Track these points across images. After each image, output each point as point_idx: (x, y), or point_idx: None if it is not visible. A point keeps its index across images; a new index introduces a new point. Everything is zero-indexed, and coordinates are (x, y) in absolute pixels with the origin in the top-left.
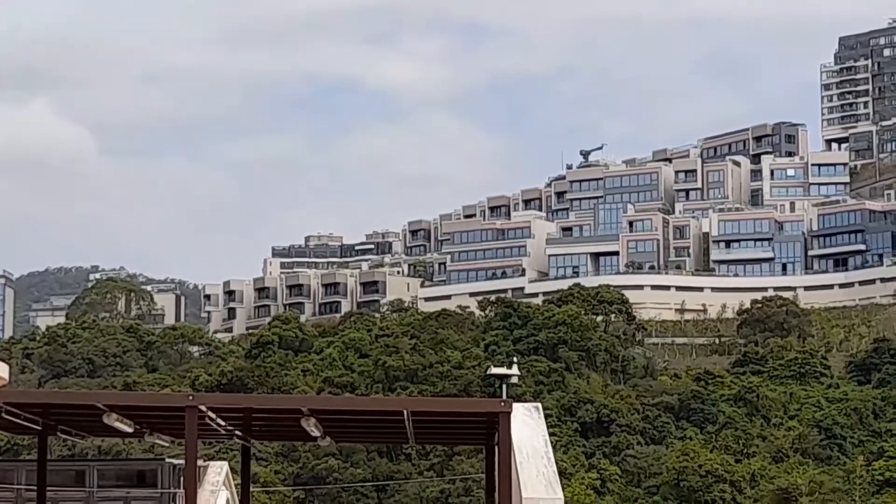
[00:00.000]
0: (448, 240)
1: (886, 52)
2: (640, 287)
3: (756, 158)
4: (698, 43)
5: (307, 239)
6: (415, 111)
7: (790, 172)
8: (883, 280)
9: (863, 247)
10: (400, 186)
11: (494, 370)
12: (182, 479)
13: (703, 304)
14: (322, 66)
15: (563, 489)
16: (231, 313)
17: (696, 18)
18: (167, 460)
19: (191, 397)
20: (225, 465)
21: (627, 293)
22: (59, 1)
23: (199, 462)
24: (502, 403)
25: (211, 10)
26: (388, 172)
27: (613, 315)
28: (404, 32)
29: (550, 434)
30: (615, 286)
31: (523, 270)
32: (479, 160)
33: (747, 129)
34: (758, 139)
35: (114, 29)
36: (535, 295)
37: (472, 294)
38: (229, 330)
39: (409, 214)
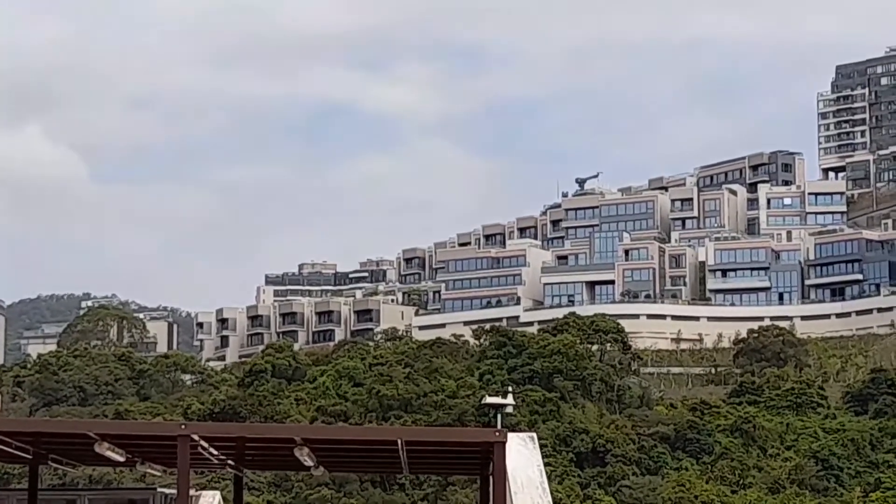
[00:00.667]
0: (443, 268)
1: (884, 81)
2: (636, 316)
3: (753, 187)
4: (694, 68)
5: (301, 266)
6: (409, 137)
7: (787, 201)
8: (880, 310)
9: (860, 276)
10: (394, 213)
11: (489, 399)
12: None
13: (700, 334)
14: (316, 91)
15: None
16: (224, 341)
17: (692, 44)
18: (159, 490)
19: (183, 426)
20: (217, 494)
21: (623, 322)
22: (50, 24)
23: (192, 491)
24: (497, 433)
25: (203, 34)
26: (382, 198)
27: (609, 344)
28: (398, 58)
29: (545, 464)
30: (611, 315)
31: (518, 299)
32: (473, 186)
33: (744, 158)
34: (754, 168)
35: (104, 52)
36: (531, 324)
37: (466, 323)
38: (222, 358)
39: (403, 241)
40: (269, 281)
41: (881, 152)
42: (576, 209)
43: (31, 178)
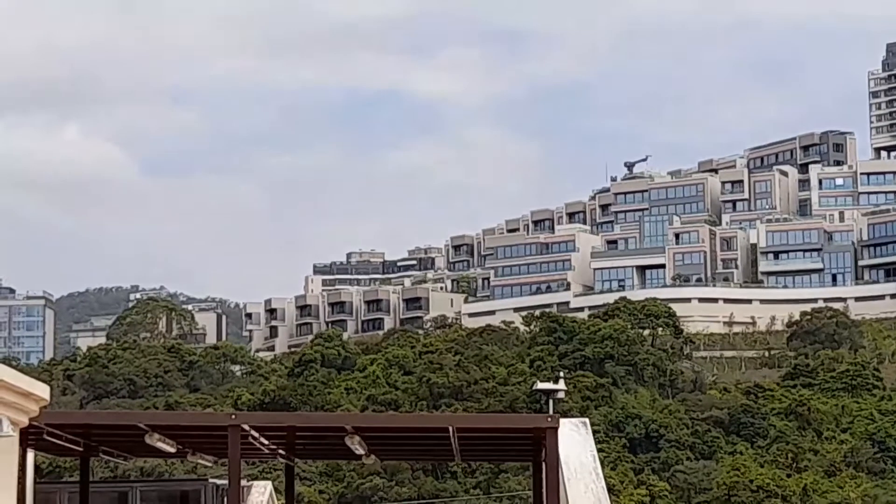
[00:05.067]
0: (491, 254)
1: None
2: (688, 300)
3: (804, 168)
4: (742, 49)
5: (349, 255)
6: (455, 122)
7: (839, 182)
8: None
9: None
10: (441, 199)
11: (540, 385)
12: (226, 499)
13: (752, 317)
14: (360, 79)
15: None
16: (273, 331)
17: (741, 24)
18: (210, 481)
19: (233, 416)
20: (269, 484)
21: (674, 306)
22: (89, 21)
23: (243, 482)
24: (549, 419)
25: (245, 24)
26: (429, 185)
27: (660, 329)
28: (443, 43)
29: (598, 450)
30: (662, 299)
31: (568, 284)
32: (521, 171)
33: (794, 139)
34: (805, 148)
35: (146, 47)
36: (581, 309)
37: (516, 309)
38: (271, 348)
39: (451, 228)
40: (317, 270)
41: None
42: (625, 193)
43: (76, 174)
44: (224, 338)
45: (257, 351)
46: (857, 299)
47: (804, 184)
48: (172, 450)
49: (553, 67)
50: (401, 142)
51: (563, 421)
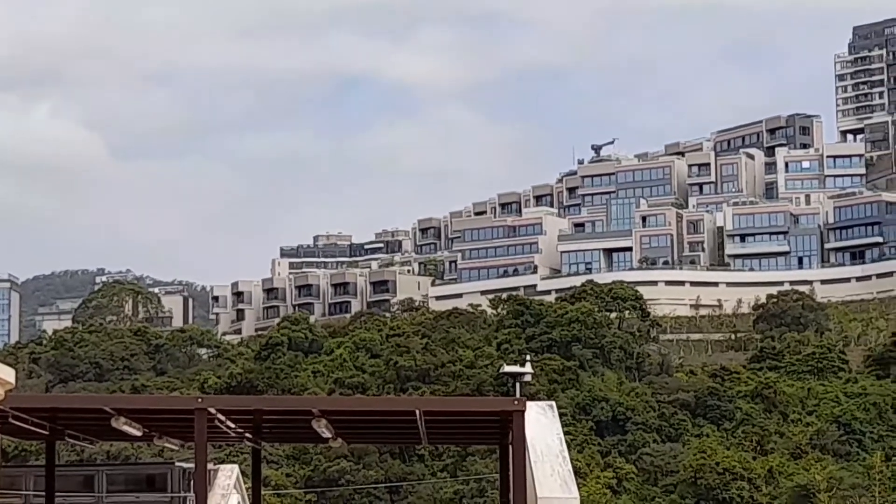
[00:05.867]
0: (459, 237)
1: None
2: (654, 283)
3: (770, 151)
4: (712, 33)
5: (316, 238)
6: (428, 105)
7: (805, 165)
8: None
9: (880, 239)
10: (413, 183)
11: (507, 369)
12: (192, 482)
13: (719, 300)
14: (334, 61)
15: (579, 488)
16: (240, 315)
17: (709, 8)
18: (177, 464)
19: (200, 400)
20: (235, 468)
21: (641, 289)
22: (63, 4)
23: (210, 465)
24: (516, 402)
25: (219, 5)
26: (400, 168)
27: (627, 312)
28: (417, 26)
29: (565, 433)
30: (629, 282)
31: (535, 268)
32: (492, 155)
33: (761, 122)
34: (772, 131)
35: (120, 27)
36: (548, 292)
37: (483, 292)
38: (238, 332)
39: (421, 211)
40: (285, 253)
41: None
42: (592, 176)
43: (45, 156)
44: (191, 321)
45: (224, 334)
46: (824, 282)
47: (770, 167)
48: (139, 433)
49: (528, 50)
50: (374, 125)
51: (529, 404)
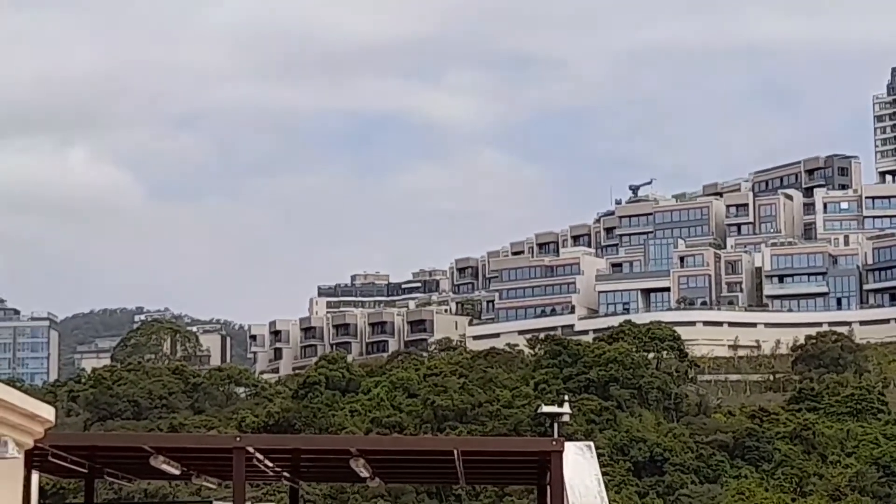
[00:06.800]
0: (496, 277)
1: None
2: (692, 323)
3: (808, 192)
4: (747, 73)
5: (353, 278)
6: (461, 146)
7: (843, 205)
8: None
9: None
10: (447, 222)
11: (545, 409)
12: None
13: (757, 340)
14: (366, 102)
15: None
16: (277, 353)
17: (746, 48)
18: (215, 503)
19: (238, 438)
20: None
21: (679, 330)
22: (95, 45)
23: None
24: (554, 442)
25: (252, 48)
26: (434, 209)
27: (665, 352)
28: (449, 67)
29: (603, 473)
30: (667, 322)
31: (573, 307)
32: (526, 195)
33: (799, 162)
34: (810, 172)
35: (151, 72)
36: (586, 332)
37: (520, 332)
38: (276, 370)
39: (456, 251)
40: (322, 292)
41: None
42: (629, 216)
43: (83, 197)
44: (228, 359)
45: (262, 373)
46: (862, 323)
47: (809, 207)
48: (177, 472)
49: (559, 91)
50: (406, 165)
51: (567, 444)
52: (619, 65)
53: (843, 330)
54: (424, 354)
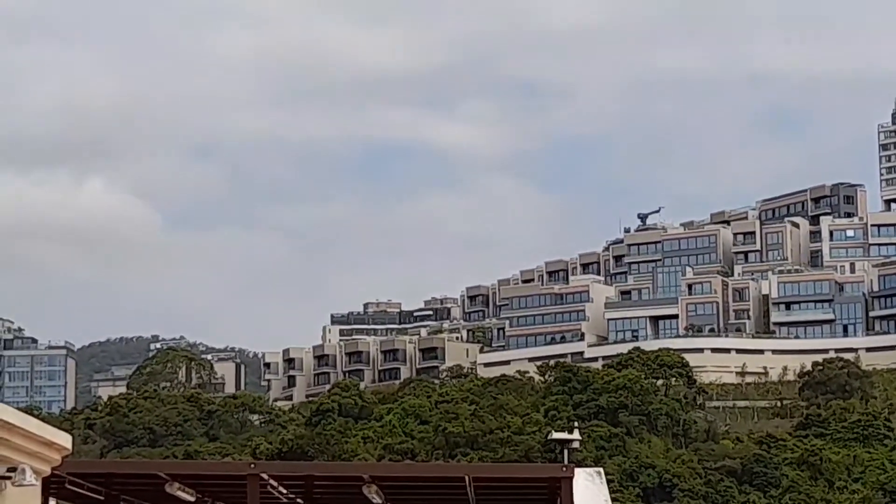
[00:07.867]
0: (506, 305)
1: None
2: (700, 350)
3: (815, 219)
4: (753, 101)
5: (366, 306)
6: (472, 174)
7: (850, 233)
8: None
9: None
10: (458, 251)
11: (555, 435)
12: None
13: (764, 367)
14: (378, 130)
15: None
16: (291, 381)
17: (751, 77)
18: None
19: (252, 465)
20: None
21: (687, 356)
22: (110, 75)
23: None
24: (564, 468)
25: (265, 77)
26: (445, 237)
27: (674, 379)
28: (460, 96)
29: (612, 499)
30: (675, 349)
31: (582, 335)
32: (536, 223)
33: (806, 191)
34: (816, 200)
35: (164, 102)
36: (595, 359)
37: (531, 359)
38: (289, 398)
39: (467, 279)
40: (335, 320)
41: None
42: (638, 244)
43: (99, 226)
44: (243, 387)
45: (275, 400)
46: (869, 350)
47: (815, 235)
48: (192, 499)
49: (569, 119)
50: (418, 194)
51: (577, 471)
52: (628, 93)
53: (850, 356)
54: (436, 382)
